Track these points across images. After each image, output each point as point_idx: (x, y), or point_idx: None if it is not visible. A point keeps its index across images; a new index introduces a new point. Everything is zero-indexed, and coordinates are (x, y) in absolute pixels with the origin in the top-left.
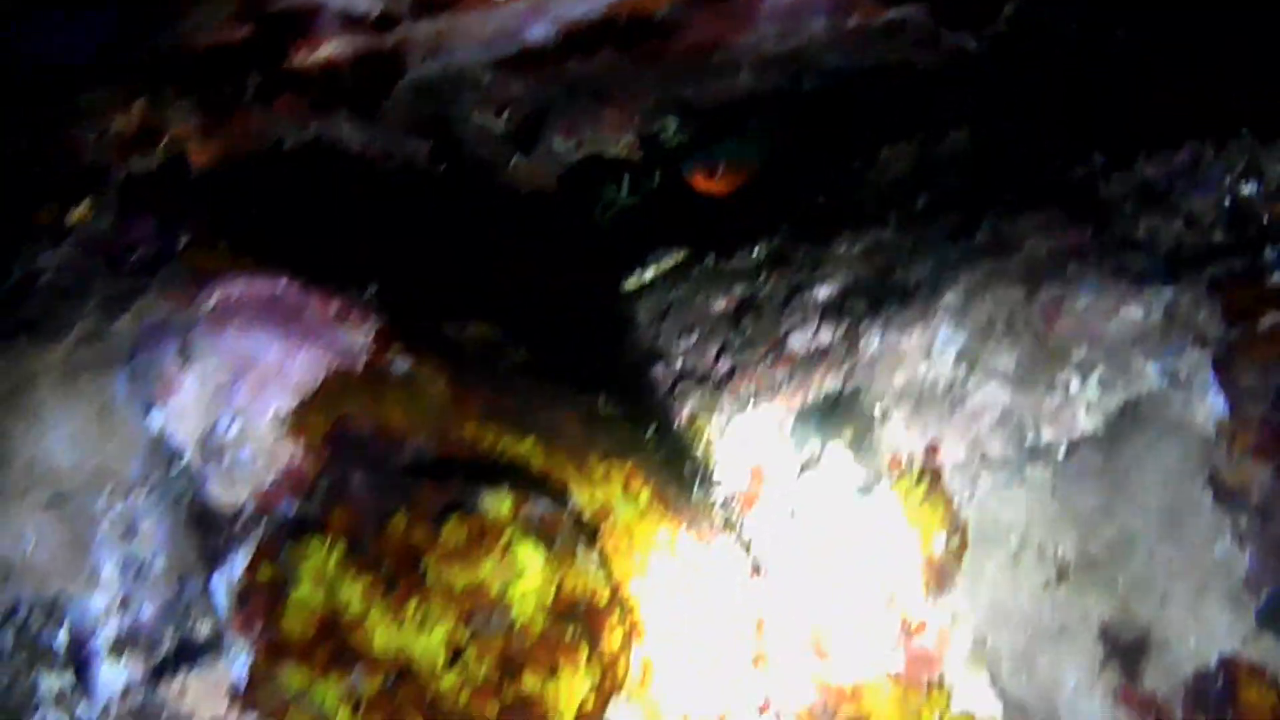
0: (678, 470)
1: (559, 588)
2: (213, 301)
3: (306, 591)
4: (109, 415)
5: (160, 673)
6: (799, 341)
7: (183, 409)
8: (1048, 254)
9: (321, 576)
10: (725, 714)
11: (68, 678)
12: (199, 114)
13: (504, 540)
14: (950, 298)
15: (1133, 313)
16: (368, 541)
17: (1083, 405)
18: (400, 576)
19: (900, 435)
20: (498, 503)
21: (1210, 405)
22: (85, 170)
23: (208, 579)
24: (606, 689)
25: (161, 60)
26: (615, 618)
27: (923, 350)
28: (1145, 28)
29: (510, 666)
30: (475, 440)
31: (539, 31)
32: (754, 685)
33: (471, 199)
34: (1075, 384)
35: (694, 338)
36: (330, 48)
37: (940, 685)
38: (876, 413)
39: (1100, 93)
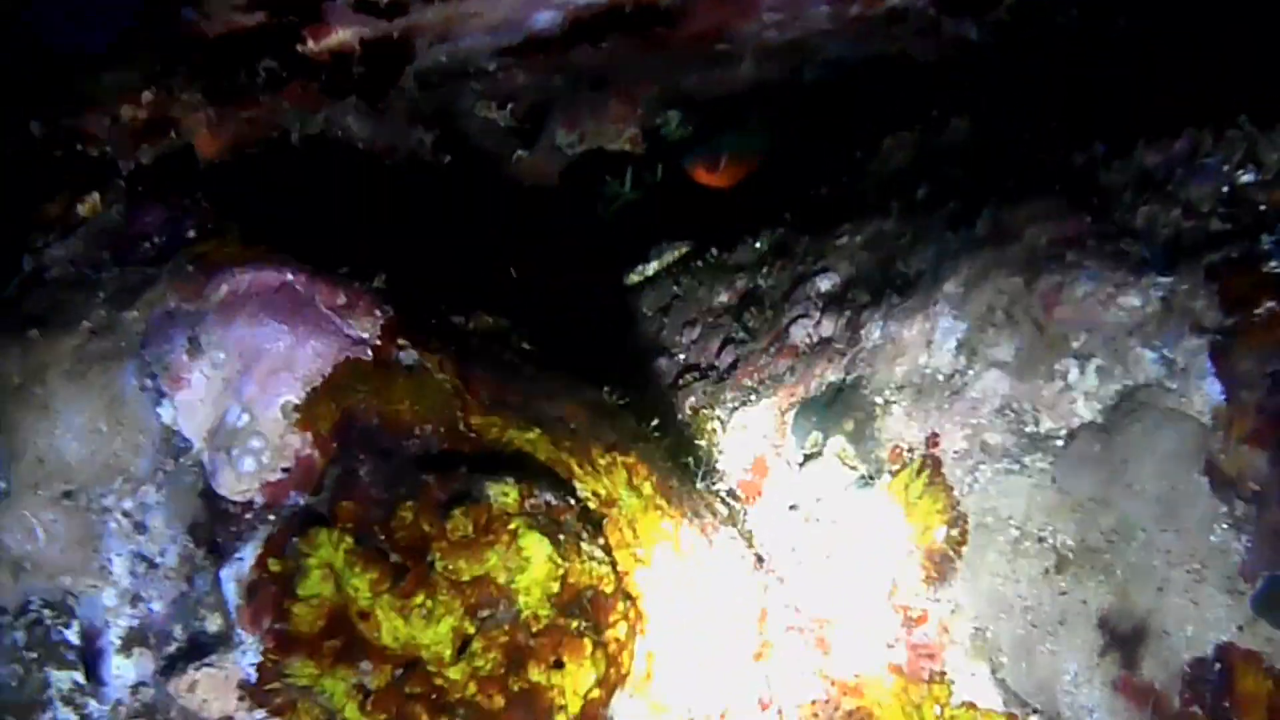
0: (681, 462)
1: (564, 579)
2: (221, 293)
3: (315, 584)
4: (119, 408)
5: (170, 668)
6: (801, 333)
7: (192, 401)
8: (1047, 243)
9: (330, 569)
10: (728, 706)
11: (78, 674)
12: (208, 104)
13: (510, 531)
14: (950, 287)
15: (1131, 301)
16: (376, 533)
17: (1081, 394)
18: (408, 568)
19: (901, 426)
20: (504, 493)
21: (1207, 393)
22: (94, 162)
23: (217, 573)
24: (611, 681)
25: (172, 49)
26: (620, 609)
27: (923, 340)
28: (1145, 16)
29: (516, 658)
30: (482, 431)
31: (545, 18)
32: (756, 677)
33: (476, 192)
34: (1074, 372)
35: (697, 330)
36: (340, 35)
37: (941, 677)
38: (878, 403)
39: (1100, 81)
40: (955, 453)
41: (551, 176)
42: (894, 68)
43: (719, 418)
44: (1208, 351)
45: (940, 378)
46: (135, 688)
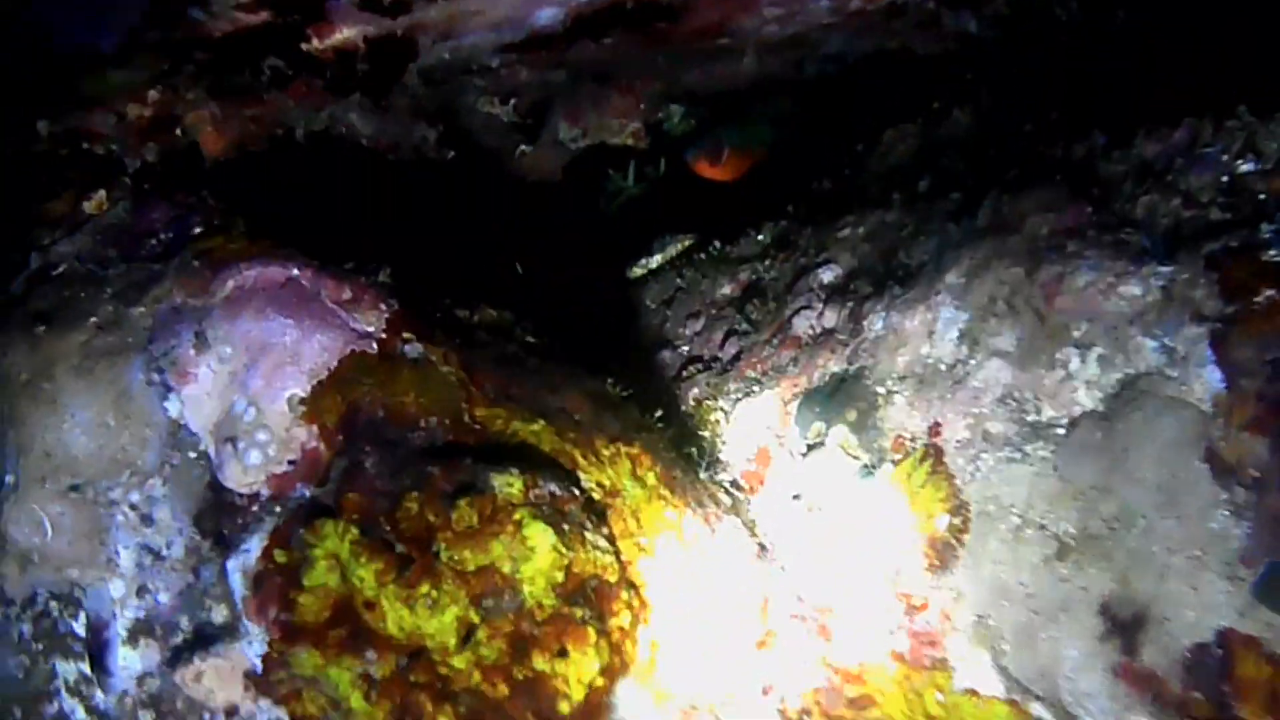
0: (685, 452)
1: (568, 568)
2: (228, 288)
3: (321, 575)
4: (126, 402)
5: (177, 658)
6: (804, 324)
7: (199, 395)
8: (1048, 233)
9: (335, 560)
10: (731, 694)
11: (85, 665)
12: (213, 102)
13: (514, 521)
14: (952, 278)
15: (1131, 290)
16: (381, 524)
17: (1082, 382)
18: (413, 558)
19: (903, 415)
20: (508, 484)
21: (1207, 380)
22: (101, 160)
23: (223, 565)
24: (615, 669)
25: (179, 48)
26: (623, 599)
27: (925, 330)
28: (1145, 8)
29: (521, 647)
30: (486, 423)
31: (548, 15)
32: (759, 665)
33: (479, 187)
34: (1075, 361)
35: (700, 322)
36: (345, 33)
37: (943, 664)
38: (880, 393)
39: (1100, 73)
40: (957, 442)
41: (554, 171)
42: (895, 61)
43: (722, 409)
44: (1208, 339)
45: (942, 367)
46: (141, 678)
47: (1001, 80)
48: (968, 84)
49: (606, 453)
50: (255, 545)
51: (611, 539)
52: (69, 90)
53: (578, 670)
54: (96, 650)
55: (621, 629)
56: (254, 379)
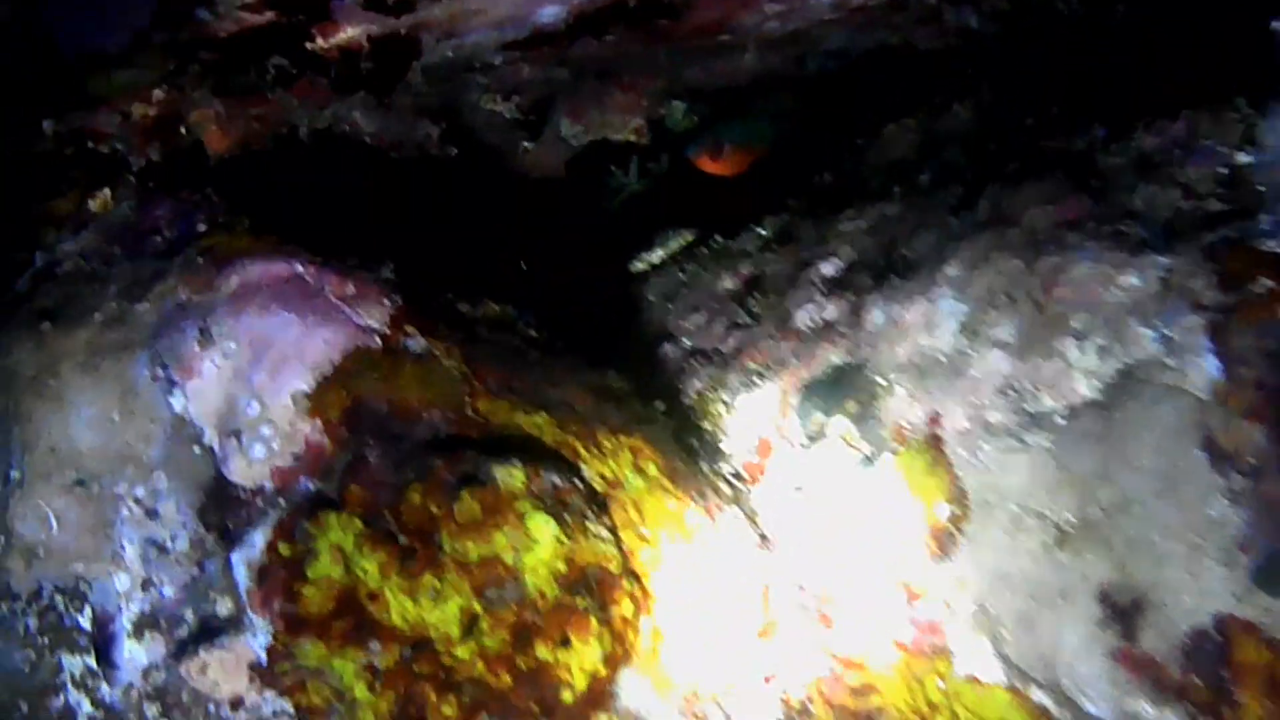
0: (687, 444)
1: (570, 559)
2: (232, 284)
3: (325, 567)
4: (131, 398)
5: (182, 651)
6: (805, 316)
7: (203, 391)
8: (1047, 225)
9: (339, 552)
10: (733, 682)
11: (91, 658)
12: (218, 101)
13: (517, 512)
14: (952, 270)
15: (1130, 281)
16: (385, 516)
17: (1081, 372)
18: (416, 550)
19: (904, 406)
20: (510, 476)
21: (1206, 369)
22: (106, 159)
23: (228, 558)
24: (617, 658)
25: (184, 48)
26: (625, 588)
27: (925, 322)
28: (1144, 2)
29: (523, 636)
30: (489, 416)
31: (550, 12)
32: (761, 654)
33: (482, 184)
34: (1074, 351)
35: (702, 316)
36: (349, 32)
37: (944, 651)
38: (880, 384)
39: (1100, 67)
40: (957, 431)
41: (557, 167)
42: (896, 57)
43: (724, 400)
44: (1206, 329)
45: (942, 358)
46: (147, 671)
47: (1002, 75)
48: (969, 78)
49: (608, 444)
50: (259, 538)
51: (613, 529)
52: (74, 90)
53: (580, 659)
54: (102, 644)
55: (624, 618)
56: (258, 374)
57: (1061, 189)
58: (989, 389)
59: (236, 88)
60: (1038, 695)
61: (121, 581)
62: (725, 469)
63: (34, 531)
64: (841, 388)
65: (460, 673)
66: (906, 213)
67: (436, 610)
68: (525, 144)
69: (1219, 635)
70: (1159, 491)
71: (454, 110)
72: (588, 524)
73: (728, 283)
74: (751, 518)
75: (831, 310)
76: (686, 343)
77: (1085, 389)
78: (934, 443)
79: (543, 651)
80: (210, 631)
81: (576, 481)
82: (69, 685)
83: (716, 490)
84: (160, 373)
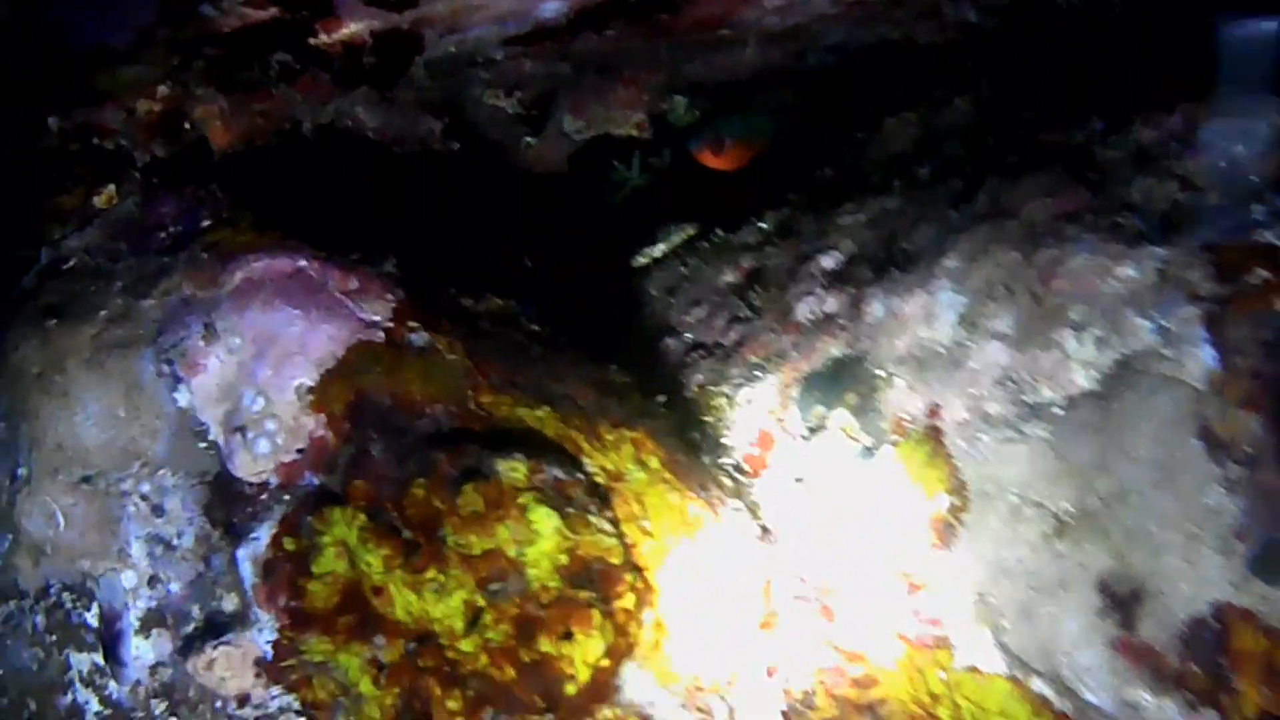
0: (688, 437)
1: (572, 551)
2: (236, 280)
3: (329, 562)
4: (136, 394)
5: (188, 647)
6: (805, 309)
7: (208, 386)
8: (1045, 217)
9: (344, 546)
10: (735, 675)
11: (98, 656)
12: (222, 97)
13: (519, 505)
14: (951, 262)
15: (1127, 272)
16: (388, 510)
17: (1079, 363)
18: (420, 543)
19: (903, 398)
20: (513, 469)
21: (1202, 359)
22: (110, 155)
23: (233, 553)
24: (620, 650)
25: (188, 44)
26: (627, 581)
27: (924, 314)
28: None
29: (527, 629)
30: (491, 410)
31: (552, 8)
32: (763, 646)
33: (485, 178)
34: (1072, 343)
35: (704, 309)
36: (352, 27)
37: (945, 642)
38: (880, 376)
39: (1099, 61)
40: (956, 423)
41: (559, 162)
42: (896, 51)
43: (725, 394)
44: (1202, 319)
45: (941, 350)
46: (154, 668)
47: (1001, 68)
48: (968, 73)
49: (610, 437)
50: (264, 533)
51: (615, 522)
52: (79, 86)
53: (583, 652)
54: (109, 641)
55: (626, 611)
56: (262, 369)
57: (1060, 182)
58: (988, 380)
59: (240, 83)
60: (1038, 685)
61: (128, 578)
62: (727, 462)
63: (41, 528)
64: (842, 380)
65: (464, 666)
66: (906, 206)
67: (440, 604)
68: (528, 139)
69: (1217, 623)
70: (1156, 481)
71: (457, 105)
72: (590, 517)
73: (729, 276)
74: (753, 510)
75: (832, 303)
76: (688, 336)
77: (1083, 380)
78: (933, 434)
79: (546, 644)
80: (216, 628)
81: (578, 475)
82: (77, 683)
83: (718, 483)
84: (165, 368)
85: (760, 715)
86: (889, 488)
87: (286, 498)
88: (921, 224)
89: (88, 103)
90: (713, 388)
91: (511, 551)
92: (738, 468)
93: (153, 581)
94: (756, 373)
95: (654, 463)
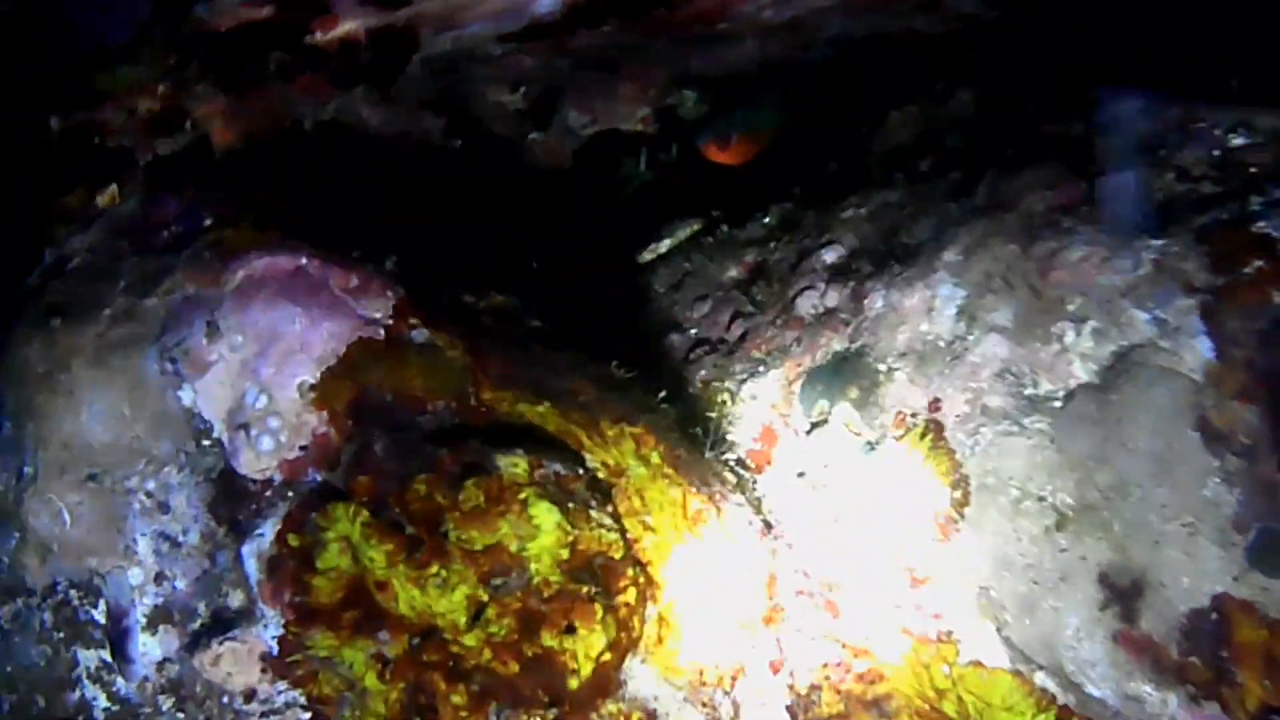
0: (690, 433)
1: (574, 546)
2: (238, 278)
3: (333, 557)
4: (140, 392)
5: (195, 643)
6: (807, 304)
7: (211, 384)
8: (1044, 210)
9: (347, 542)
10: (739, 669)
11: (105, 652)
12: (222, 95)
13: (520, 500)
14: (950, 255)
15: (1124, 264)
16: (391, 506)
17: (1077, 355)
18: (422, 539)
19: (904, 392)
20: (514, 465)
21: (1199, 350)
22: (112, 155)
23: (238, 550)
24: (623, 645)
25: (186, 43)
26: (629, 576)
27: (925, 308)
28: None
29: (529, 624)
30: (493, 406)
31: (546, 3)
32: (767, 641)
33: (489, 174)
34: (1070, 335)
35: (708, 305)
36: (347, 25)
37: (948, 636)
38: (881, 371)
39: (1098, 51)
40: (957, 416)
41: (565, 158)
42: (898, 44)
43: (729, 389)
44: (1199, 311)
45: (941, 344)
46: (161, 664)
47: (1002, 60)
48: (969, 64)
49: (611, 433)
50: (269, 530)
51: (616, 517)
52: (80, 86)
53: (585, 646)
54: (117, 637)
55: (628, 605)
56: (265, 367)
57: (1058, 174)
58: (988, 373)
59: (240, 82)
60: (1041, 679)
61: (135, 575)
62: (730, 457)
63: (48, 526)
64: (843, 375)
65: (468, 661)
66: (907, 199)
67: (444, 599)
68: (533, 135)
69: (1217, 615)
70: (1155, 473)
71: (460, 101)
72: (591, 511)
73: (733, 272)
74: (756, 505)
75: (833, 297)
76: (692, 332)
77: (1082, 372)
78: (934, 428)
79: (548, 639)
80: (222, 623)
81: (579, 470)
82: (84, 679)
83: (721, 478)
84: (169, 367)
85: (764, 710)
86: (891, 482)
87: (290, 494)
88: (922, 217)
89: (88, 102)
90: (716, 383)
91: (513, 546)
92: (741, 463)
93: (159, 578)
94: (759, 368)
95: (655, 458)
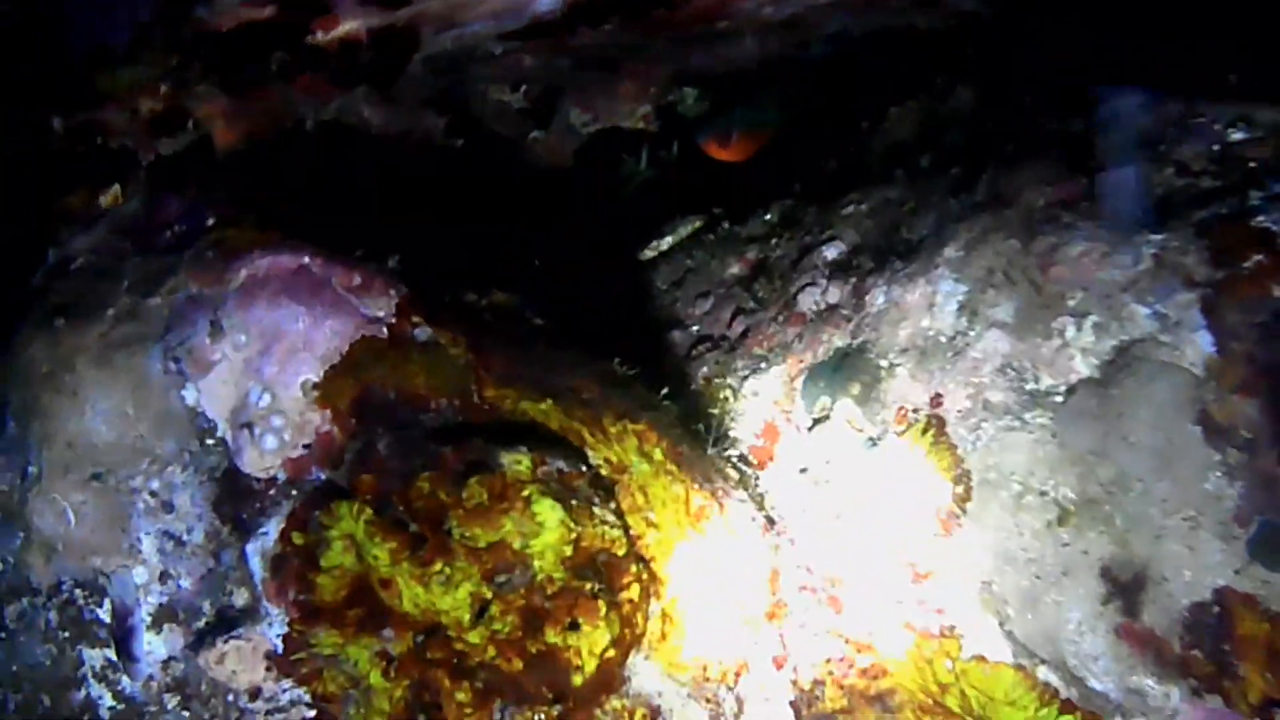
0: (693, 429)
1: (577, 543)
2: (241, 277)
3: (337, 555)
4: (144, 392)
5: (200, 642)
6: (809, 300)
7: (215, 383)
8: (1044, 205)
9: (351, 540)
10: (743, 665)
11: (111, 651)
12: (223, 96)
13: (524, 498)
14: (951, 251)
15: (1124, 259)
16: (395, 504)
17: (1078, 350)
18: (426, 536)
19: (906, 387)
20: (517, 462)
21: (1199, 345)
22: (115, 155)
23: (243, 549)
24: (626, 641)
25: (187, 44)
26: (632, 572)
27: (926, 303)
28: None
29: (533, 621)
30: (496, 403)
31: (548, 2)
32: (770, 636)
33: (491, 173)
34: (1071, 330)
35: (710, 302)
36: (348, 25)
37: (951, 630)
38: (883, 367)
39: (1097, 46)
40: (958, 412)
41: (566, 157)
42: (898, 40)
43: (731, 386)
44: (1199, 305)
45: (943, 339)
46: (166, 663)
47: (1002, 56)
48: (969, 61)
49: (613, 430)
50: (273, 528)
51: (619, 513)
52: (82, 87)
53: (589, 642)
54: (122, 636)
55: (631, 601)
56: (268, 365)
57: (1058, 169)
58: (989, 369)
59: (241, 82)
60: (1044, 673)
61: (139, 574)
62: (732, 453)
63: (52, 526)
64: (845, 371)
65: (472, 658)
66: (908, 195)
67: (447, 596)
68: (535, 133)
69: (1219, 608)
70: (1156, 467)
71: (461, 101)
72: (594, 508)
73: (734, 268)
74: (758, 501)
75: (835, 293)
76: (694, 329)
77: (1083, 367)
78: (936, 423)
79: (552, 635)
80: (227, 622)
81: (582, 467)
82: (90, 678)
83: (723, 474)
84: (173, 366)
85: (768, 706)
86: (893, 478)
87: (294, 493)
88: (923, 213)
89: (90, 103)
90: (718, 380)
91: (517, 544)
92: (743, 459)
93: (164, 577)
94: (761, 364)
95: (658, 455)
